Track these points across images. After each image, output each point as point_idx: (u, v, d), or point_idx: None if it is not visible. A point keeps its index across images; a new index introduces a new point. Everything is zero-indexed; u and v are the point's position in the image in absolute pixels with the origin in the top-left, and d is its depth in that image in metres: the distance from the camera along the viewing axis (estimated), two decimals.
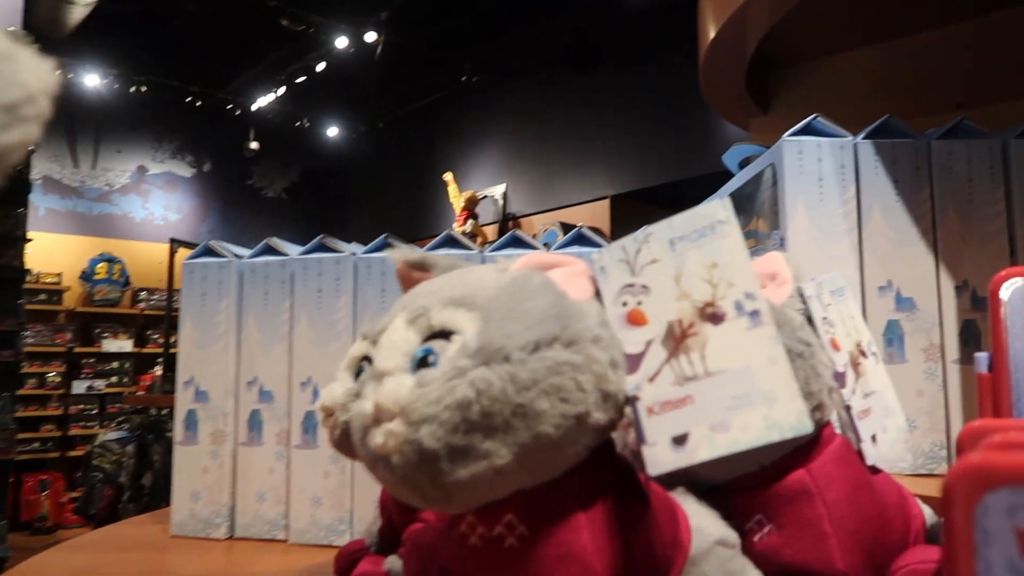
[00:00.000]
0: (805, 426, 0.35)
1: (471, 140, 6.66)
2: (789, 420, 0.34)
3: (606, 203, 5.39)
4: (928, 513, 0.53)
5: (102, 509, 4.37)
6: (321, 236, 0.72)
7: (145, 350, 6.55)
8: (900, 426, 0.54)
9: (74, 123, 6.61)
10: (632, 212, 5.23)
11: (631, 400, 0.38)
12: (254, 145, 7.08)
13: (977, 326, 0.72)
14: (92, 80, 6.21)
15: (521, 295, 0.39)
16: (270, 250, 0.74)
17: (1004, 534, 0.22)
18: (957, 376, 0.72)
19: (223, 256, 0.75)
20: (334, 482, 0.69)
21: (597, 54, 5.47)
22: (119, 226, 6.90)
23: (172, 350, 5.97)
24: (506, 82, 6.23)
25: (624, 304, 0.39)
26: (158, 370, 5.53)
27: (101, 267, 6.52)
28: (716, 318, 0.36)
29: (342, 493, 0.69)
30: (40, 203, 6.34)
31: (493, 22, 5.75)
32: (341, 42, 5.62)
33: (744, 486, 0.48)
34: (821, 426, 0.49)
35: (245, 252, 0.76)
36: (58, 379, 6.07)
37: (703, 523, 0.45)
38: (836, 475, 0.47)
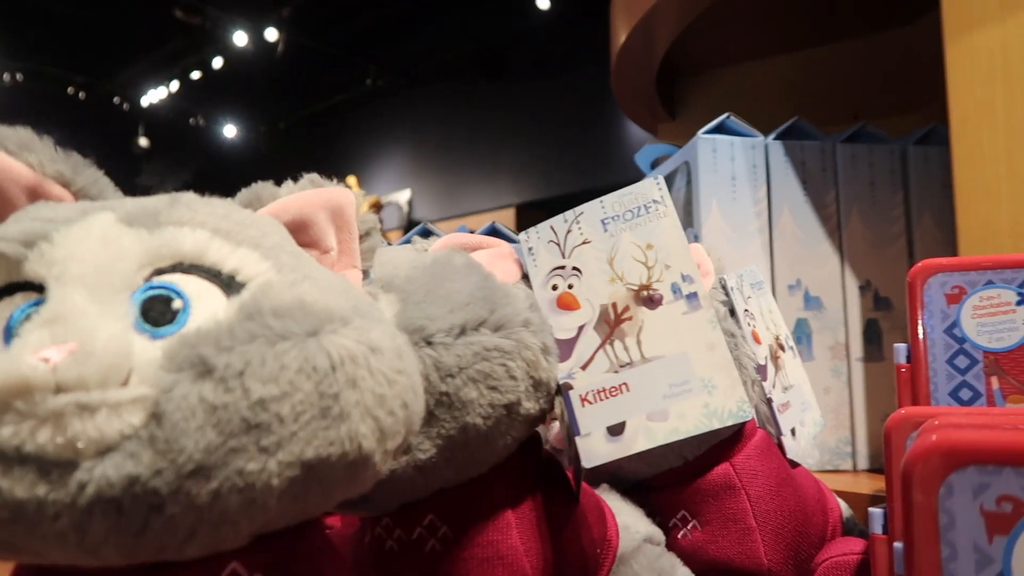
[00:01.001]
0: (746, 413, 0.33)
1: (376, 144, 6.56)
2: (729, 407, 0.33)
3: (511, 212, 5.41)
4: (844, 507, 0.53)
5: None
6: None
7: None
8: (817, 420, 0.54)
9: None
10: (537, 221, 5.26)
11: (563, 389, 0.36)
12: (143, 142, 6.74)
13: (879, 325, 0.74)
14: None
15: (443, 276, 0.36)
16: None
17: (970, 516, 0.21)
18: (861, 374, 0.74)
19: None
20: None
21: (505, 61, 5.50)
22: None
23: None
24: (412, 86, 6.17)
25: (554, 287, 0.37)
26: None
27: None
28: (652, 301, 0.34)
29: None
30: None
31: (400, 25, 5.68)
32: (240, 38, 5.42)
33: (668, 482, 0.47)
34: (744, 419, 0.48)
35: None
36: None
37: (629, 521, 0.43)
38: (760, 469, 0.46)
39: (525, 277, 0.39)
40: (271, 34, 5.39)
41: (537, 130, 5.35)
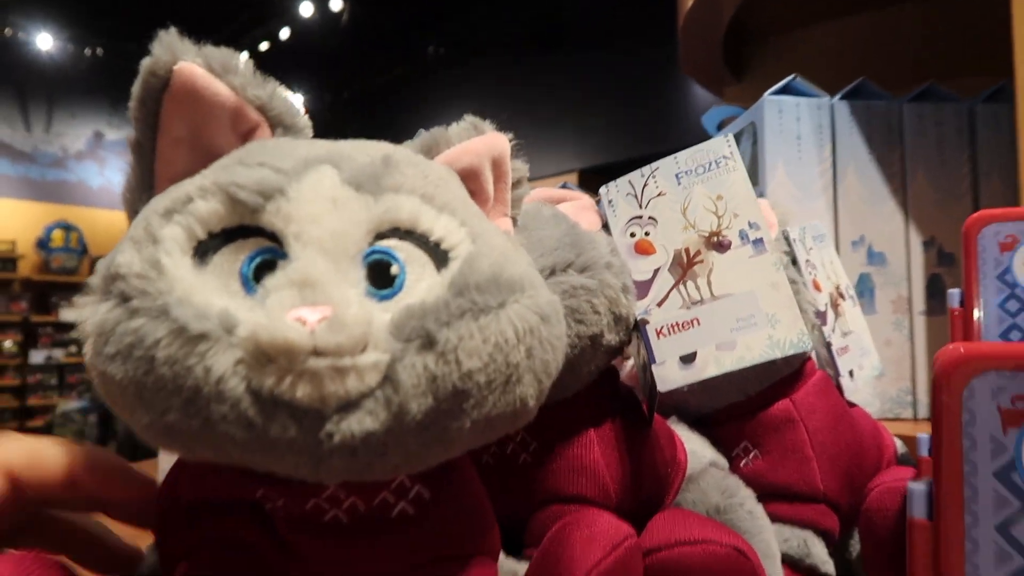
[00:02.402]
0: (805, 344, 0.38)
1: (437, 114, 6.59)
2: (791, 339, 0.37)
3: (574, 177, 5.42)
4: (899, 444, 0.57)
5: None
6: None
7: None
8: (875, 365, 0.58)
9: (25, 86, 6.39)
10: (599, 187, 5.26)
11: (640, 323, 0.41)
12: None
13: (943, 280, 0.76)
14: (44, 42, 6.01)
15: (533, 225, 0.41)
16: None
17: (988, 413, 0.25)
18: (923, 327, 0.76)
19: None
20: None
21: (565, 29, 5.47)
22: (75, 193, 6.73)
23: None
24: (473, 56, 6.19)
25: (632, 235, 0.41)
26: None
27: (57, 235, 6.36)
28: (721, 246, 0.38)
29: None
30: None
31: None
32: (306, 9, 5.53)
33: (731, 416, 0.51)
34: (804, 360, 0.52)
35: None
36: (15, 349, 5.94)
37: (696, 447, 0.48)
38: (817, 405, 0.50)
39: (605, 226, 0.44)
40: (336, 4, 5.47)
41: (598, 96, 5.33)
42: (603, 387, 0.43)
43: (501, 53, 6.00)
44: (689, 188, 0.40)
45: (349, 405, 0.24)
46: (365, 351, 0.24)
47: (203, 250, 0.27)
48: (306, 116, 0.32)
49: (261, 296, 0.25)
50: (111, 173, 6.96)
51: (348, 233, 0.27)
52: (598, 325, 0.39)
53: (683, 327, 0.39)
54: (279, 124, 0.31)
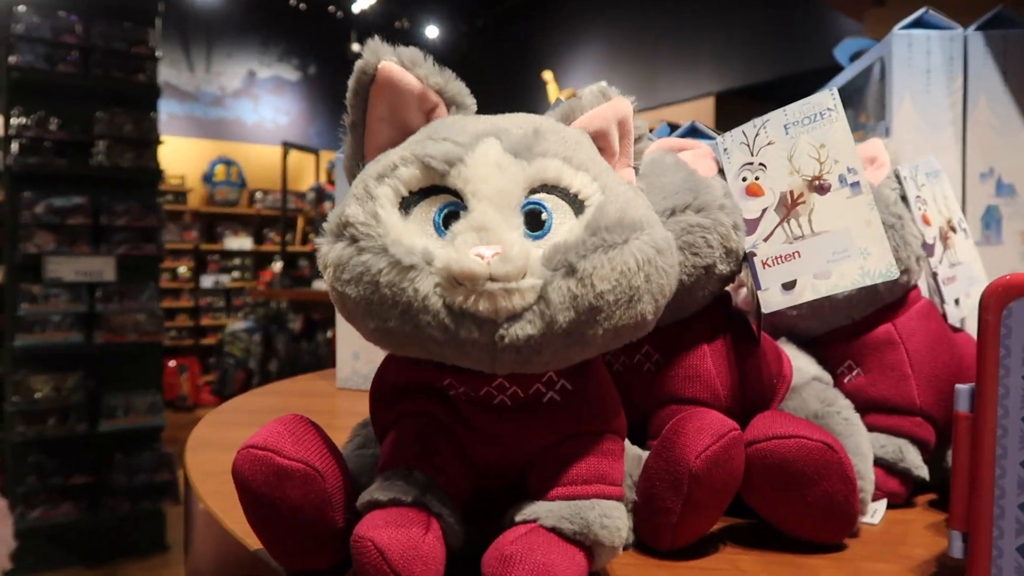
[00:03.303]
0: (893, 273, 0.43)
1: (570, 37, 6.55)
2: (880, 269, 0.43)
3: (711, 101, 5.26)
4: None
5: (235, 390, 4.84)
6: None
7: (263, 248, 7.00)
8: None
9: (187, 30, 6.87)
10: (738, 110, 5.09)
11: (749, 256, 0.48)
12: (356, 47, 7.20)
13: None
14: None
15: (657, 172, 0.49)
16: None
17: (1022, 328, 0.31)
18: None
19: None
20: None
21: None
22: (233, 130, 7.24)
23: (289, 248, 6.35)
24: None
25: (744, 179, 0.48)
26: (276, 266, 5.93)
27: (219, 169, 6.92)
28: (822, 189, 0.44)
29: None
30: (161, 109, 6.72)
31: None
32: None
33: (836, 339, 0.58)
34: (908, 289, 0.57)
35: None
36: (188, 274, 6.59)
37: (802, 363, 0.55)
38: (918, 328, 0.56)
39: (721, 172, 0.51)
40: None
41: (735, 15, 5.09)
42: (717, 309, 0.51)
43: None
44: (796, 137, 0.46)
45: (515, 316, 0.34)
46: (525, 277, 0.34)
47: (406, 204, 0.37)
48: (472, 97, 0.42)
49: (449, 238, 0.36)
50: (264, 110, 7.42)
51: (510, 190, 0.37)
52: (711, 257, 0.46)
53: (786, 259, 0.45)
54: (453, 103, 0.41)
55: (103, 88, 3.01)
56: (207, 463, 0.63)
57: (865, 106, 0.85)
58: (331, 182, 5.62)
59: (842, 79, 0.95)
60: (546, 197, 0.37)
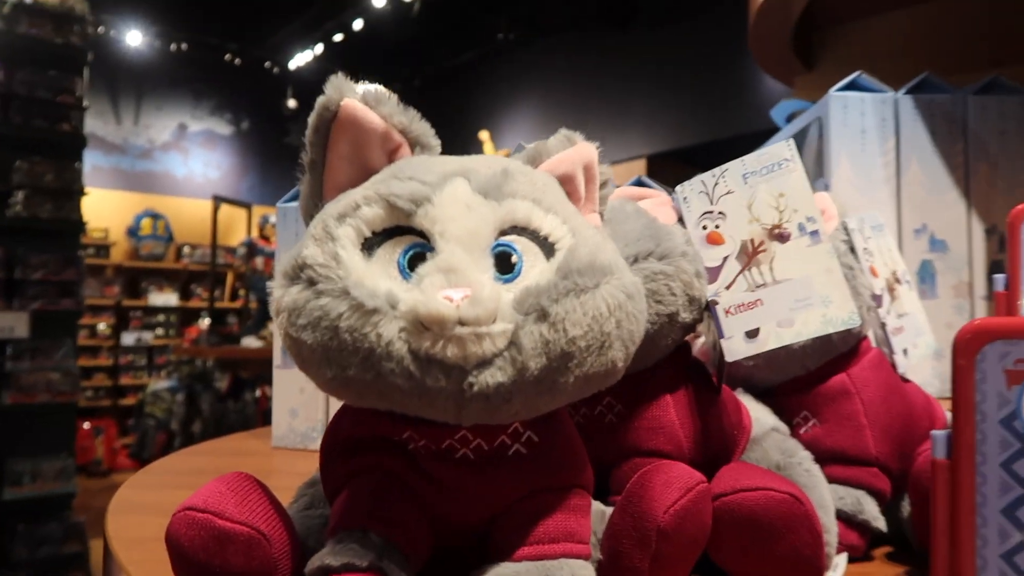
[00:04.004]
0: (855, 321, 0.44)
1: (506, 98, 6.70)
2: (842, 316, 0.43)
3: (642, 163, 5.42)
4: (950, 417, 0.61)
5: (155, 454, 4.60)
6: None
7: (189, 304, 6.77)
8: (929, 343, 0.63)
9: (116, 80, 6.74)
10: (669, 172, 5.25)
11: (711, 304, 0.47)
12: (292, 103, 7.18)
13: (1004, 266, 0.80)
14: (134, 38, 6.33)
15: (618, 220, 0.48)
16: None
17: (996, 373, 0.31)
18: (984, 311, 0.80)
19: None
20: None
21: (633, 9, 5.46)
22: (161, 183, 7.08)
23: (218, 304, 6.17)
24: (541, 39, 6.24)
25: (704, 228, 0.48)
26: (204, 323, 5.74)
27: (146, 223, 6.71)
28: (783, 237, 0.45)
29: None
30: (86, 159, 6.53)
31: None
32: (378, 0, 5.66)
33: (792, 388, 0.57)
34: (860, 339, 0.58)
35: None
36: (108, 331, 6.32)
37: (760, 414, 0.54)
38: (871, 379, 0.56)
39: (680, 220, 0.51)
40: None
41: (667, 79, 5.30)
42: (678, 359, 0.50)
43: (571, 34, 6.01)
44: (754, 187, 0.46)
45: (485, 363, 0.32)
46: (496, 322, 0.33)
47: (369, 245, 0.35)
48: (435, 138, 0.40)
49: (415, 280, 0.34)
50: (193, 163, 7.29)
51: (479, 231, 0.35)
52: (674, 305, 0.46)
53: (748, 307, 0.45)
54: (417, 144, 0.40)
55: (24, 136, 2.90)
56: (132, 528, 0.58)
57: (804, 164, 0.88)
58: (264, 237, 5.51)
59: (780, 138, 0.98)
60: (516, 239, 0.36)
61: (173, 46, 6.45)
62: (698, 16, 5.01)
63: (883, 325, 0.58)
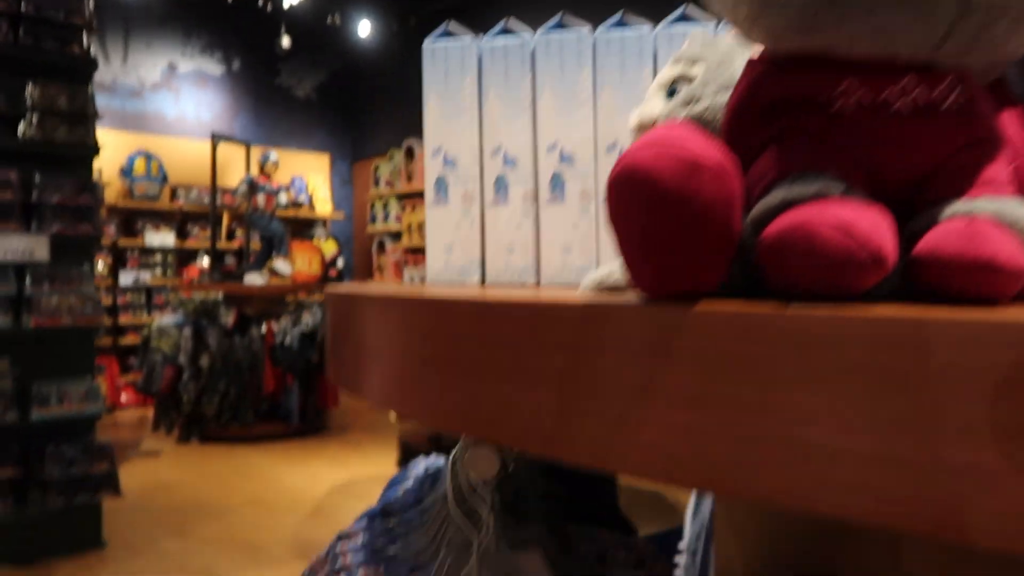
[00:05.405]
0: None
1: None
2: None
3: None
4: None
5: (164, 387, 4.62)
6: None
7: (186, 244, 6.73)
8: None
9: (103, 19, 6.55)
10: None
11: None
12: (285, 42, 7.04)
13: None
14: None
15: None
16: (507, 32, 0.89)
17: None
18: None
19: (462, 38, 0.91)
20: (582, 232, 0.81)
21: None
22: (153, 123, 6.95)
23: (218, 244, 6.13)
24: None
25: None
26: (204, 261, 5.72)
27: (139, 163, 6.62)
28: None
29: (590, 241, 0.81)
30: None
31: None
32: None
33: None
34: None
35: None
36: (105, 271, 6.27)
37: None
38: None
39: None
40: None
41: None
42: None
43: None
44: None
45: None
46: None
47: None
48: None
49: None
50: (185, 103, 7.15)
51: None
52: None
53: None
54: None
55: (35, 59, 2.85)
56: None
57: None
58: (264, 174, 5.46)
59: None
60: None
61: None
62: None
63: None
